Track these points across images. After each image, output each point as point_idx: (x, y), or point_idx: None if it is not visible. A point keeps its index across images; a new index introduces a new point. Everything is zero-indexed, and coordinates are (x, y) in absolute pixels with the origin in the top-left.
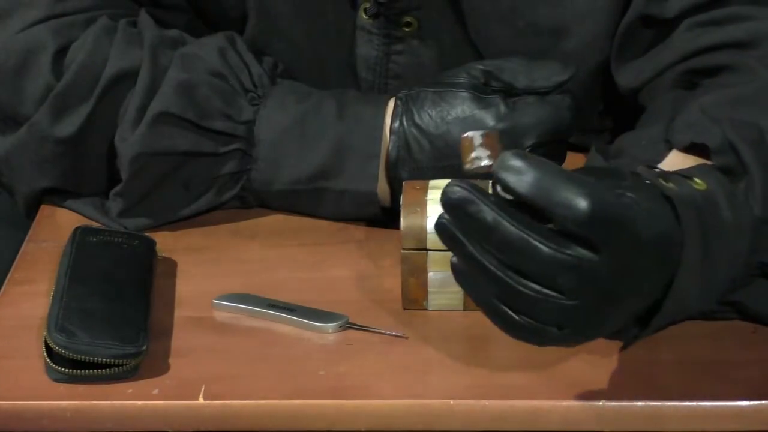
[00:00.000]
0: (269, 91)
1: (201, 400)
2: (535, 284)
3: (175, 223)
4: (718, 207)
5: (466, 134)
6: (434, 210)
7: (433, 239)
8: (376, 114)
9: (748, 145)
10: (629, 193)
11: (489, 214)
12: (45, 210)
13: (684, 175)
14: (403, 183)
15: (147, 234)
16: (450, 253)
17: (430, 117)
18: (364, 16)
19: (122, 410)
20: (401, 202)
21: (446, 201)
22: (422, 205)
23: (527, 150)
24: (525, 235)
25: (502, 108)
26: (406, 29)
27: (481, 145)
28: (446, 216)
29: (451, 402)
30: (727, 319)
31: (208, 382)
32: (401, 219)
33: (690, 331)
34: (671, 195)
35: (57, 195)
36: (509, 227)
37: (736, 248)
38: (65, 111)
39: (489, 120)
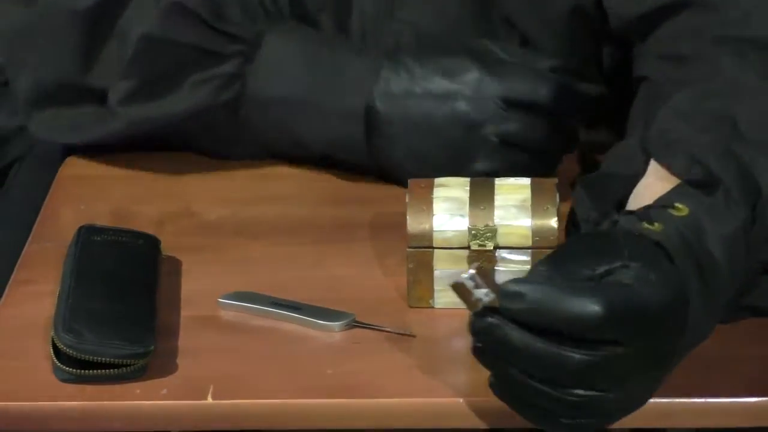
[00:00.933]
0: (283, 20)
1: (209, 400)
2: (578, 389)
3: (178, 221)
4: (702, 230)
5: (455, 282)
6: (440, 208)
7: (438, 237)
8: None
9: (714, 156)
10: (630, 269)
11: (515, 336)
12: (47, 210)
13: (664, 204)
14: (409, 181)
15: (150, 233)
16: (456, 251)
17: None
18: None
19: (131, 410)
20: (407, 201)
21: (473, 331)
22: (428, 203)
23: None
24: (554, 349)
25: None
26: None
27: (476, 285)
28: (479, 343)
29: (460, 400)
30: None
31: (216, 382)
32: (407, 217)
33: None
34: (660, 240)
35: (55, 108)
36: (537, 345)
37: (731, 258)
38: None
39: (471, 68)
